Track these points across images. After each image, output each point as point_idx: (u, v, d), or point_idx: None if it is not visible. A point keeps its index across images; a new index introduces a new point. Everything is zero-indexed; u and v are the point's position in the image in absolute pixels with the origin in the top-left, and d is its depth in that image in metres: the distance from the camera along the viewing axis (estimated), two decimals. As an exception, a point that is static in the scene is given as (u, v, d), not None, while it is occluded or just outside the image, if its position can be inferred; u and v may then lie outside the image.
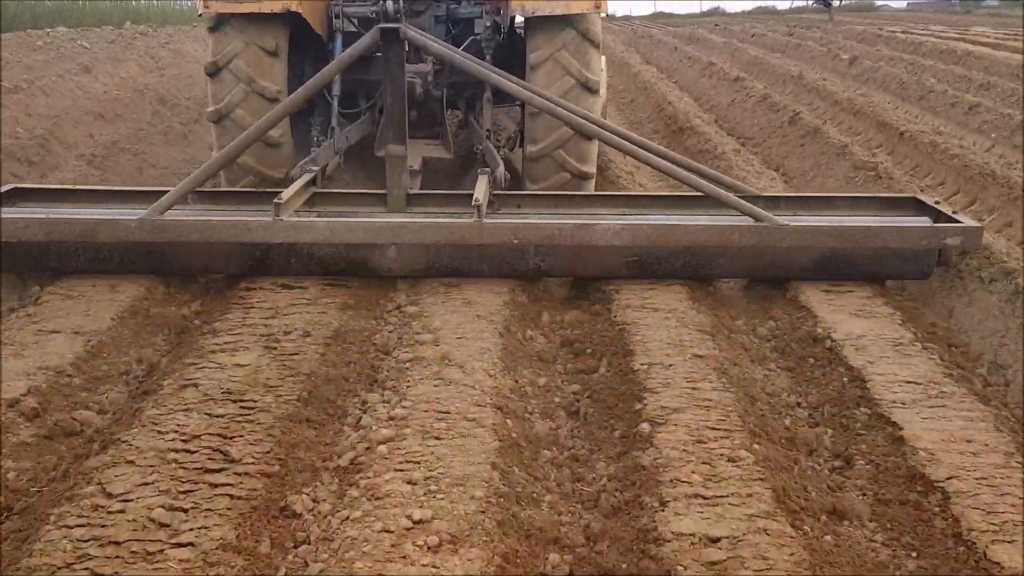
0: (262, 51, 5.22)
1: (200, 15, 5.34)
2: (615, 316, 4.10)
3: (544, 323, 4.26)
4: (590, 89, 5.30)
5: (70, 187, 5.36)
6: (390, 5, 4.63)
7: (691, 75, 13.55)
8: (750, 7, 34.80)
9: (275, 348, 3.68)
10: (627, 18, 29.32)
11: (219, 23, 5.26)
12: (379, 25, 4.56)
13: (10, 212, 4.54)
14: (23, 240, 4.34)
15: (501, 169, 5.12)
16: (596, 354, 3.86)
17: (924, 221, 4.64)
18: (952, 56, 13.78)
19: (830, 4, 22.54)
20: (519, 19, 5.54)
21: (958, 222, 4.43)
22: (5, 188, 4.92)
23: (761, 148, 8.62)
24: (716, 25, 22.55)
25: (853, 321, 4.02)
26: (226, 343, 3.72)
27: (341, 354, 3.75)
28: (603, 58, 5.58)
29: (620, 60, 15.23)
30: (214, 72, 5.26)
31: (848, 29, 20.05)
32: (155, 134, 8.23)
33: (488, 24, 5.87)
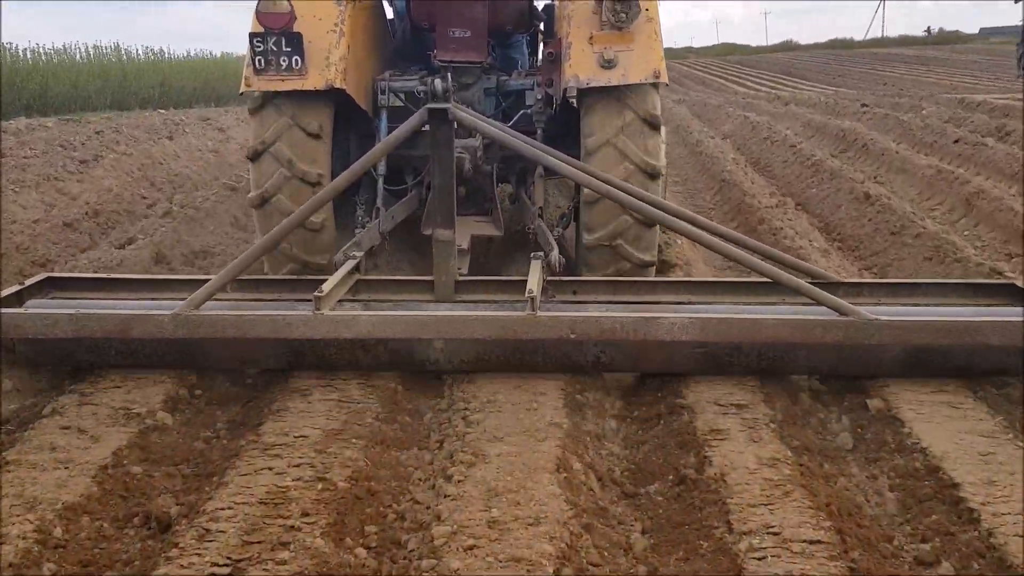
0: (304, 133, 5.05)
1: (242, 93, 5.18)
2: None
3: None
4: (651, 176, 4.98)
5: (104, 276, 5.17)
6: (439, 84, 4.35)
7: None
8: (823, 39, 33.40)
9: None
10: (689, 49, 28.69)
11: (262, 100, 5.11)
12: (427, 105, 4.31)
13: (39, 306, 4.36)
14: (51, 336, 4.14)
15: (555, 253, 4.79)
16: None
17: (1027, 312, 4.17)
18: None
19: None
20: (572, 89, 5.26)
21: (1069, 314, 3.96)
22: (38, 278, 4.75)
23: None
24: (864, 106, 16.26)
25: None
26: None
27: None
28: (663, 129, 5.25)
29: (783, 232, 6.95)
30: (255, 156, 5.09)
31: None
32: None
33: (539, 96, 5.60)
